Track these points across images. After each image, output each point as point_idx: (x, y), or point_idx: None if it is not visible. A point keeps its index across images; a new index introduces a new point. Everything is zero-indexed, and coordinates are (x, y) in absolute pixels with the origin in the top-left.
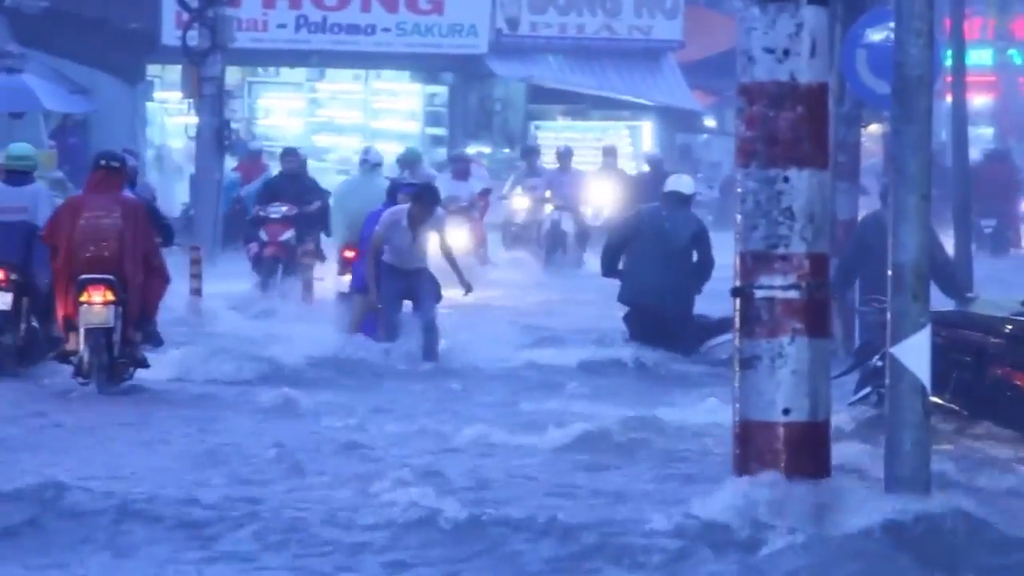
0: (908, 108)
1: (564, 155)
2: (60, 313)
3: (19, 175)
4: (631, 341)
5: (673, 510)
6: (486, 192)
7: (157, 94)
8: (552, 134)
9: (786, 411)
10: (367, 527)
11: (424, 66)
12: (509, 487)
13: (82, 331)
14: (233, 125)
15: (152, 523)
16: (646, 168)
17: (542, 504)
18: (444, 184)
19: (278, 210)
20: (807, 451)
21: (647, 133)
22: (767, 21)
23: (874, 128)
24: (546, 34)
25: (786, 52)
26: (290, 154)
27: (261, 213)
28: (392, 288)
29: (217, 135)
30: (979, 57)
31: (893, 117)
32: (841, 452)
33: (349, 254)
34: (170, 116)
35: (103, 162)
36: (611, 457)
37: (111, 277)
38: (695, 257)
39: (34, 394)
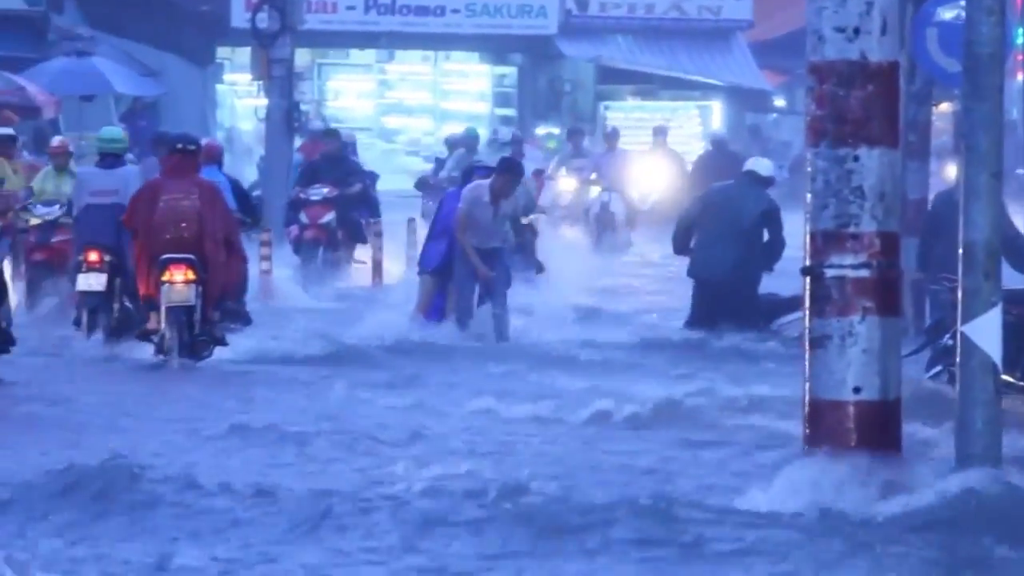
0: (979, 86)
1: (611, 136)
2: (141, 293)
3: (111, 158)
4: (690, 326)
5: (742, 488)
6: (539, 172)
7: (227, 76)
8: (621, 114)
9: (856, 390)
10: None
11: (493, 47)
12: (583, 466)
13: (163, 309)
14: (303, 107)
15: (228, 498)
16: (709, 148)
17: (600, 479)
18: None
19: (319, 192)
20: (877, 430)
21: (716, 113)
22: (837, 0)
23: (944, 107)
24: (615, 14)
25: (856, 31)
26: (330, 135)
27: (301, 195)
28: (468, 271)
29: (286, 117)
30: None
31: (964, 95)
32: (912, 431)
33: None
34: (240, 98)
35: (179, 145)
36: (676, 434)
37: (192, 256)
38: (765, 236)
39: (118, 371)
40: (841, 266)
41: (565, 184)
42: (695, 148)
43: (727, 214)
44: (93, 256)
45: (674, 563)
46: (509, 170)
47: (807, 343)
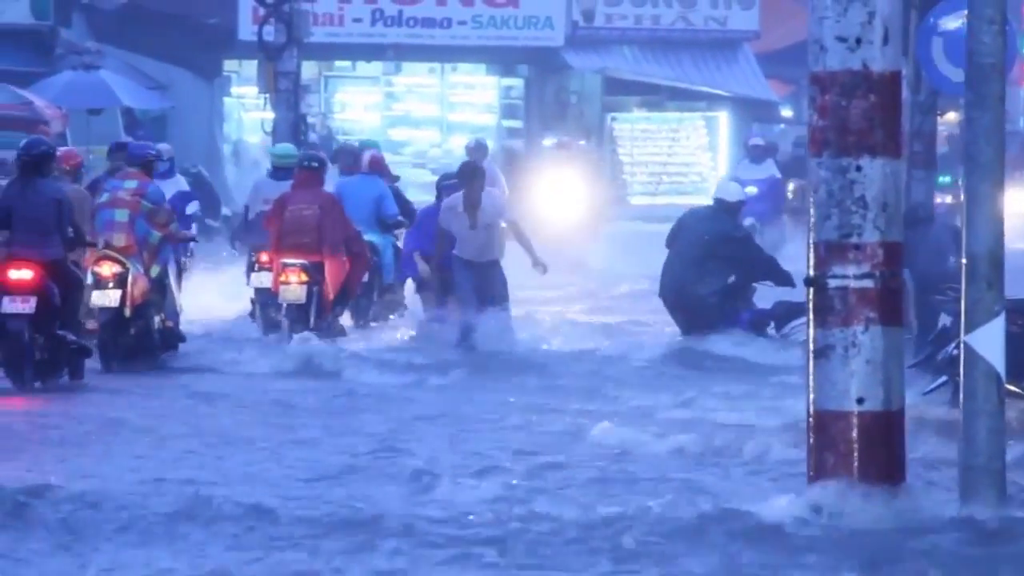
0: (981, 95)
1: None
2: (272, 290)
3: (282, 171)
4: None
5: (745, 510)
6: None
7: (234, 89)
8: (628, 125)
9: (860, 400)
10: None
11: (500, 59)
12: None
13: (284, 306)
14: (309, 119)
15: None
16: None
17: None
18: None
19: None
20: (881, 441)
21: (723, 124)
22: (839, 9)
23: (951, 116)
24: (621, 25)
25: (858, 40)
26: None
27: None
28: (466, 283)
29: (293, 129)
30: None
31: (966, 104)
32: (916, 441)
33: None
34: (247, 111)
35: (305, 163)
36: (672, 455)
37: (305, 261)
38: (739, 263)
39: None
40: (844, 276)
41: None
42: (702, 159)
43: (691, 237)
44: (265, 257)
45: None
46: (463, 180)
47: (811, 354)
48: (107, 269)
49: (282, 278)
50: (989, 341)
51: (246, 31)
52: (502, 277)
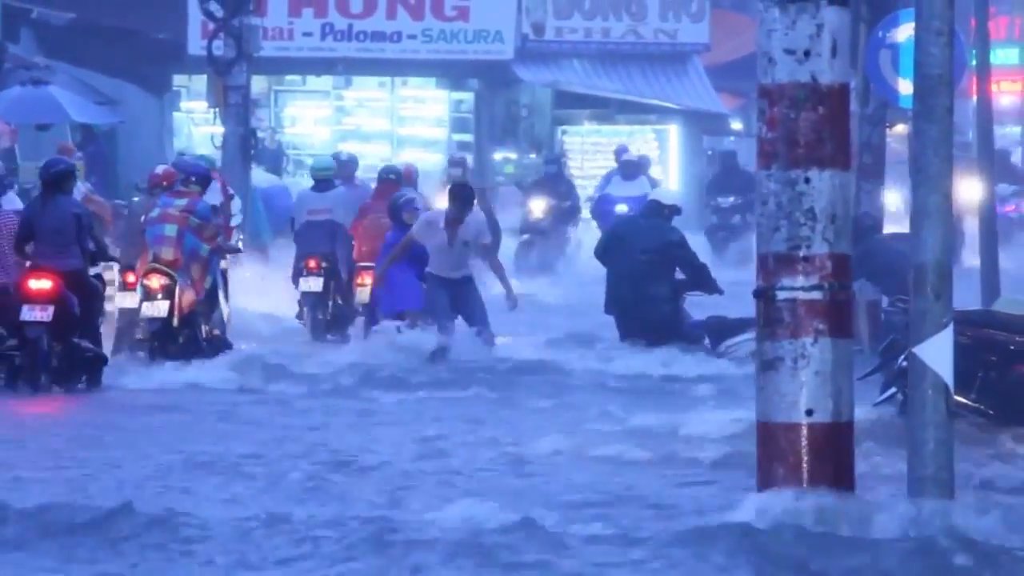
0: (929, 107)
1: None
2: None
3: (323, 183)
4: (624, 341)
5: (689, 518)
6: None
7: (184, 104)
8: (579, 139)
9: (809, 412)
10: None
11: (450, 72)
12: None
13: (359, 307)
14: (259, 134)
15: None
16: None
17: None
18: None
19: None
20: (830, 452)
21: (674, 136)
22: (787, 22)
23: (900, 128)
24: (572, 39)
25: (807, 53)
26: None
27: None
28: (440, 298)
29: (243, 144)
30: (1006, 56)
31: (914, 116)
32: (865, 453)
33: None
34: (196, 126)
35: (385, 176)
36: (625, 466)
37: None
38: (677, 267)
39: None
40: (793, 288)
41: None
42: (653, 172)
43: (629, 249)
44: (312, 263)
45: None
46: (455, 198)
47: (759, 366)
48: (155, 282)
49: (357, 280)
50: (937, 352)
51: (195, 46)
52: (477, 294)
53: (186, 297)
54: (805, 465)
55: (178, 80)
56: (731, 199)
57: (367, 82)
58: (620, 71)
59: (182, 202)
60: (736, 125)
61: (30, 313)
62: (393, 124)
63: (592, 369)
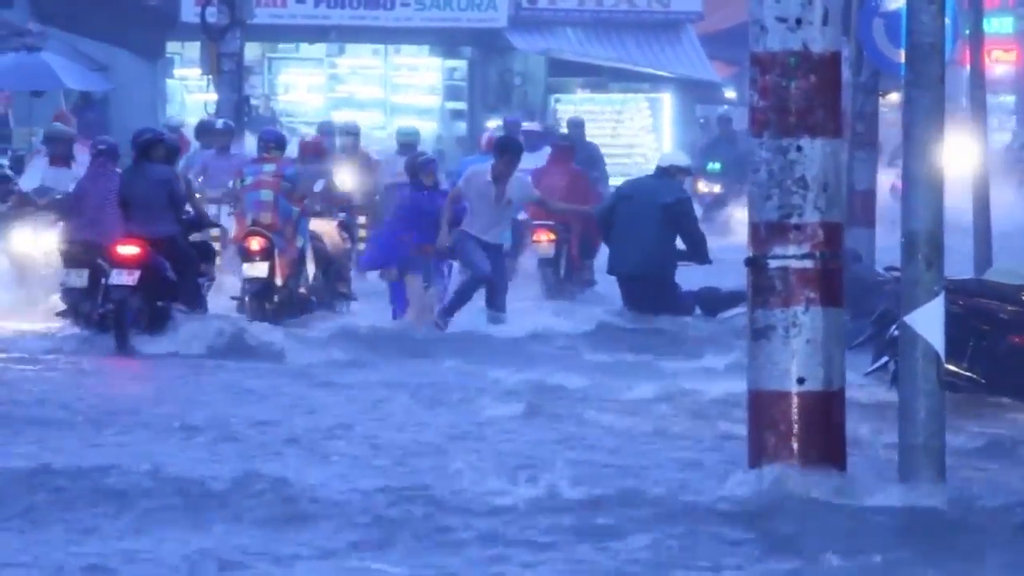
0: (921, 75)
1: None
2: None
3: (407, 147)
4: (625, 309)
5: (685, 489)
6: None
7: (177, 71)
8: (572, 107)
9: (800, 380)
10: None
11: (443, 40)
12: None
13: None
14: (253, 101)
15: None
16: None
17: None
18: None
19: None
20: (822, 421)
21: (667, 105)
22: None
23: (893, 97)
24: (565, 7)
25: (798, 21)
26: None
27: None
28: (478, 251)
29: (236, 111)
30: (1000, 25)
31: (906, 84)
32: (856, 421)
33: None
34: (190, 93)
35: (560, 143)
36: (616, 436)
37: (554, 223)
38: (678, 231)
39: None
40: (784, 257)
41: None
42: (645, 140)
43: (637, 208)
44: None
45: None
46: (507, 150)
47: (750, 334)
48: (255, 244)
49: (535, 237)
50: (928, 321)
51: (189, 12)
52: (503, 268)
53: (284, 258)
54: (796, 434)
55: (171, 47)
56: (717, 166)
57: (360, 49)
58: (613, 39)
59: (271, 167)
60: (729, 94)
61: (117, 277)
62: (386, 92)
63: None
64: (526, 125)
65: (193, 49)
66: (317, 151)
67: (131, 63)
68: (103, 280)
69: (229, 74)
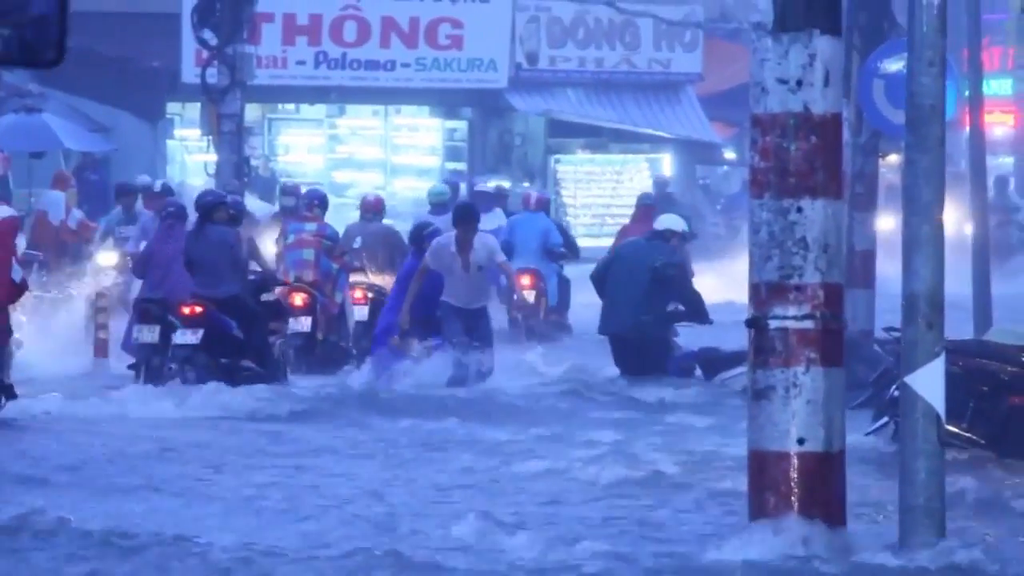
0: (921, 137)
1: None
2: None
3: (439, 207)
4: (619, 369)
5: (683, 549)
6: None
7: (177, 132)
8: (572, 167)
9: (801, 441)
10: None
11: (444, 101)
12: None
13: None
14: (253, 162)
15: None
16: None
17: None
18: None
19: None
20: (822, 481)
21: (667, 166)
22: (780, 52)
23: (893, 159)
24: (565, 68)
25: (799, 83)
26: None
27: None
28: (455, 326)
29: (236, 172)
30: (999, 87)
31: (906, 146)
32: (856, 482)
33: None
34: (190, 154)
35: (643, 202)
36: (623, 489)
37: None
38: (673, 292)
39: None
40: (785, 317)
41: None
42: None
43: (628, 269)
44: None
45: None
46: (463, 218)
47: (751, 394)
48: (299, 299)
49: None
50: (929, 381)
51: (189, 73)
52: (488, 323)
53: (326, 312)
54: (796, 494)
55: (171, 108)
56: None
57: (361, 110)
58: (613, 100)
59: (312, 227)
60: (729, 154)
61: (182, 336)
62: (387, 152)
63: (586, 396)
64: (480, 186)
65: (193, 110)
66: (377, 209)
67: (131, 124)
68: (172, 337)
69: (229, 135)
